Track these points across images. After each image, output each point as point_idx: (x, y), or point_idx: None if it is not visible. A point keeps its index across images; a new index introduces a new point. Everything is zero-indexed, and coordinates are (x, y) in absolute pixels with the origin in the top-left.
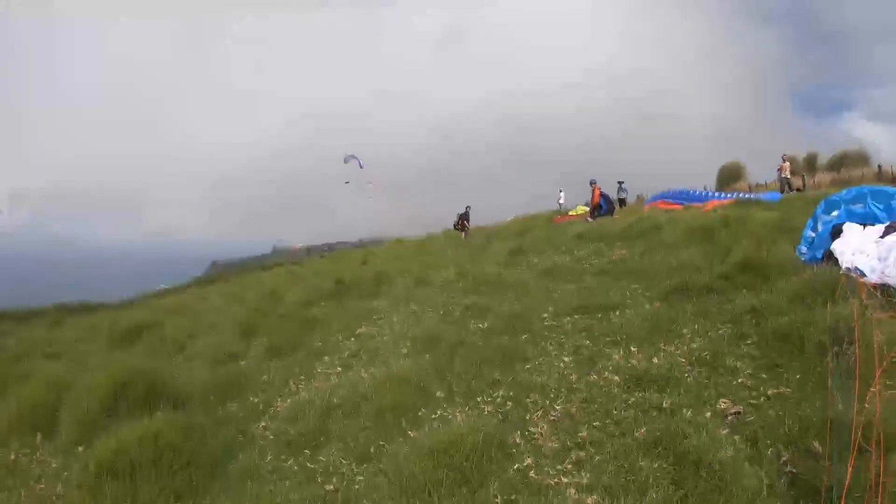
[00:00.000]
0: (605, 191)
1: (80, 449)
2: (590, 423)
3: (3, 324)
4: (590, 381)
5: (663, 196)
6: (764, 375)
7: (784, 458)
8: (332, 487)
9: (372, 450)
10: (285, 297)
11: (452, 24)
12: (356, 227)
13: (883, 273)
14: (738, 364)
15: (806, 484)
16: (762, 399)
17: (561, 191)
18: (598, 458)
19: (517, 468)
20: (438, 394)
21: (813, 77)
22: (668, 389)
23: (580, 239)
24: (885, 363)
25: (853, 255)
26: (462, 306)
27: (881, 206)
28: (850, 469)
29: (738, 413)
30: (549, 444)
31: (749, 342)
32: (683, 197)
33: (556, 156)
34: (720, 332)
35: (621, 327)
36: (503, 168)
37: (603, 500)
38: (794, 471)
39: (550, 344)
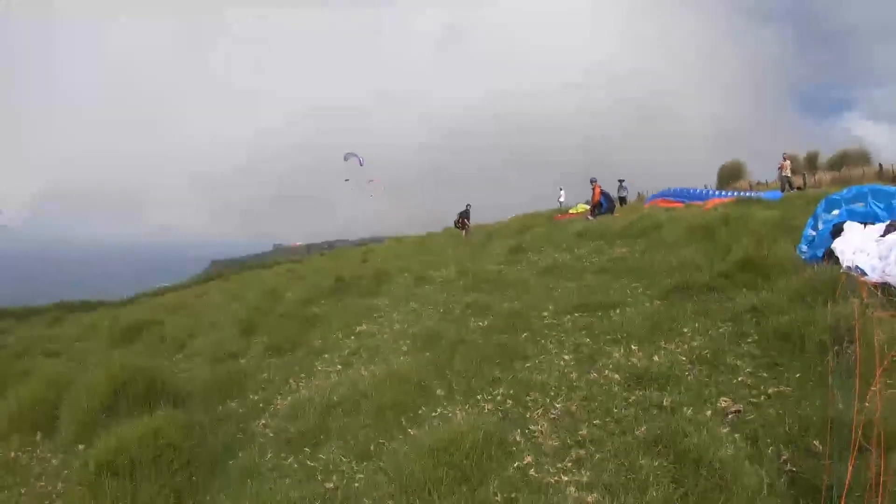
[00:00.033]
0: (606, 189)
1: (81, 447)
2: (590, 421)
3: (4, 322)
4: (590, 380)
5: (664, 194)
6: (764, 374)
7: (784, 457)
8: (332, 485)
9: (372, 448)
10: (285, 296)
11: (452, 24)
12: (356, 225)
13: (884, 272)
14: (739, 362)
15: (806, 483)
16: (762, 398)
17: (561, 189)
18: (598, 456)
19: (517, 466)
20: (438, 392)
21: (813, 77)
22: (669, 388)
23: (580, 237)
24: (885, 362)
25: (854, 253)
26: (462, 304)
27: (882, 205)
28: (850, 468)
29: (739, 411)
30: (550, 443)
31: (749, 341)
32: (684, 195)
33: (556, 156)
34: (721, 330)
35: (622, 325)
36: (503, 168)
37: (603, 498)
38: (795, 469)
39: (551, 342)
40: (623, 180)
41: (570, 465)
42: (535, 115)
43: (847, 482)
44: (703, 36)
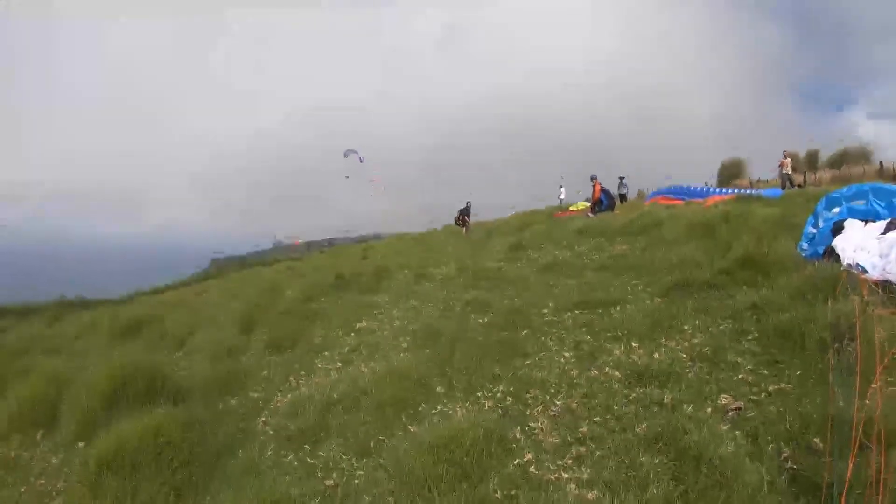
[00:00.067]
0: (606, 186)
1: (81, 445)
2: (590, 418)
3: (4, 319)
4: (590, 377)
5: (664, 192)
6: (765, 371)
7: (785, 455)
8: (332, 482)
9: (372, 445)
10: (285, 293)
11: (452, 24)
12: (356, 222)
13: (884, 270)
14: (739, 360)
15: (807, 480)
16: (763, 395)
17: (561, 186)
18: (598, 453)
19: (517, 463)
20: (438, 389)
21: (814, 75)
22: (669, 385)
23: (581, 234)
24: (886, 360)
25: (854, 251)
26: (462, 301)
27: (882, 203)
28: (850, 465)
29: (739, 409)
30: (550, 440)
31: (750, 338)
32: (684, 193)
33: (556, 155)
34: (721, 327)
35: (622, 323)
36: (503, 166)
37: (603, 495)
38: (795, 467)
39: (551, 339)
40: (623, 177)
41: (570, 462)
42: (535, 114)
43: (847, 479)
44: (703, 35)
